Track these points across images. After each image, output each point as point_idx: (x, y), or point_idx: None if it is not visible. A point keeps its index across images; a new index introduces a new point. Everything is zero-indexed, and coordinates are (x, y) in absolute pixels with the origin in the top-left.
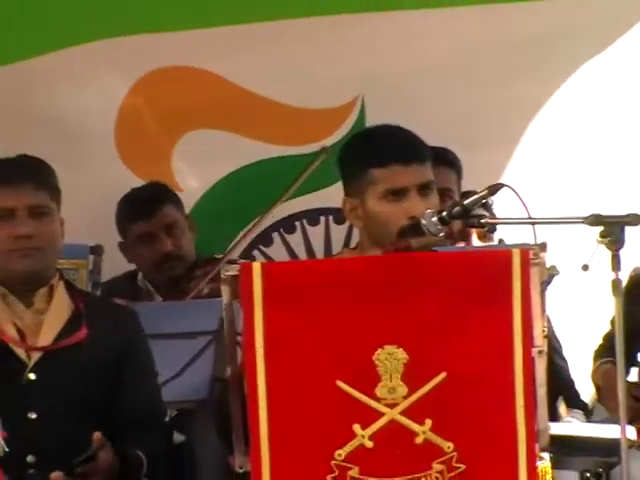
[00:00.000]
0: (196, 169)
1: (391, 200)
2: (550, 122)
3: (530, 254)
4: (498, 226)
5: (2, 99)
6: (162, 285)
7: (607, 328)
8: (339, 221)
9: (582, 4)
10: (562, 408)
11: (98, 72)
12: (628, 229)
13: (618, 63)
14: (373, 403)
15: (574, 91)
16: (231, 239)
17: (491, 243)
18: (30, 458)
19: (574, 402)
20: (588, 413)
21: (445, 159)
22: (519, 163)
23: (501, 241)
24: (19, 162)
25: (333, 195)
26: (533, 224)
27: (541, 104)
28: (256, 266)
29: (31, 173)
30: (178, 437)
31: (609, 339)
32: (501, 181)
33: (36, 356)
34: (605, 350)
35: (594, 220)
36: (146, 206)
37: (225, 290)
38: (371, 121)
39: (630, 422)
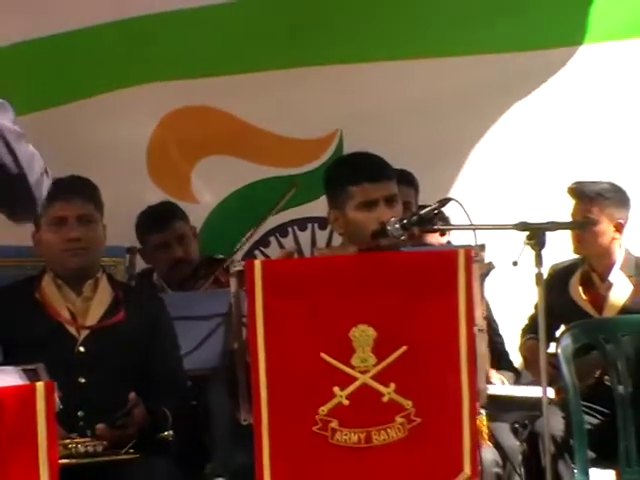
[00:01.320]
0: (210, 187)
1: (364, 210)
2: (487, 150)
3: (472, 253)
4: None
5: (60, 132)
6: (173, 283)
7: (531, 311)
8: (322, 227)
9: (508, 61)
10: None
11: (134, 110)
12: (548, 234)
13: (540, 106)
14: (349, 370)
15: (505, 126)
16: (237, 241)
17: (442, 244)
18: (80, 413)
19: (508, 368)
20: (518, 376)
21: (406, 179)
22: (463, 182)
23: (449, 242)
24: (70, 181)
25: (317, 207)
26: (474, 229)
27: (480, 136)
28: (257, 263)
29: (80, 189)
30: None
31: (533, 320)
32: (449, 196)
33: (84, 333)
34: (530, 328)
35: (521, 226)
36: (161, 220)
37: (233, 282)
38: (348, 149)
39: (549, 384)
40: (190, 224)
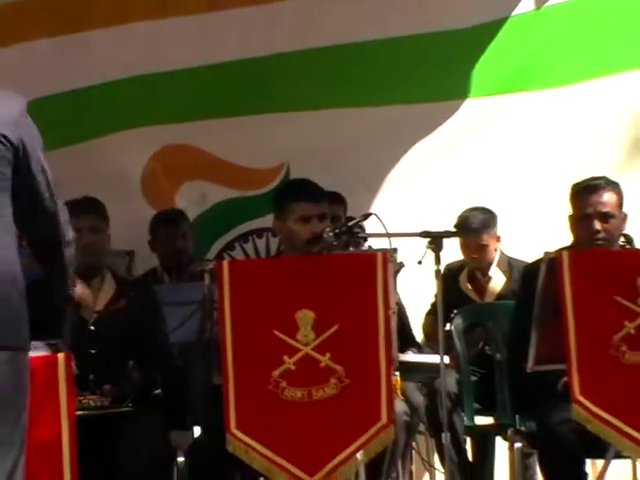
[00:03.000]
0: (189, 205)
1: (302, 224)
2: (397, 177)
3: (387, 255)
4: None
5: (77, 163)
6: (172, 270)
7: (432, 299)
8: (275, 235)
9: (408, 110)
10: None
11: (132, 147)
12: (445, 240)
13: (435, 146)
14: (295, 343)
15: (408, 162)
16: (211, 246)
17: (364, 248)
18: (91, 377)
19: (413, 344)
20: (420, 349)
21: (337, 198)
22: (380, 201)
23: (370, 247)
24: (83, 200)
25: (271, 220)
26: (389, 237)
27: (392, 166)
28: (225, 263)
29: (90, 207)
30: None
31: (433, 305)
32: (370, 212)
33: (94, 316)
34: (431, 311)
35: (424, 234)
36: (171, 221)
37: (207, 277)
38: (292, 176)
39: (445, 353)
40: (190, 225)
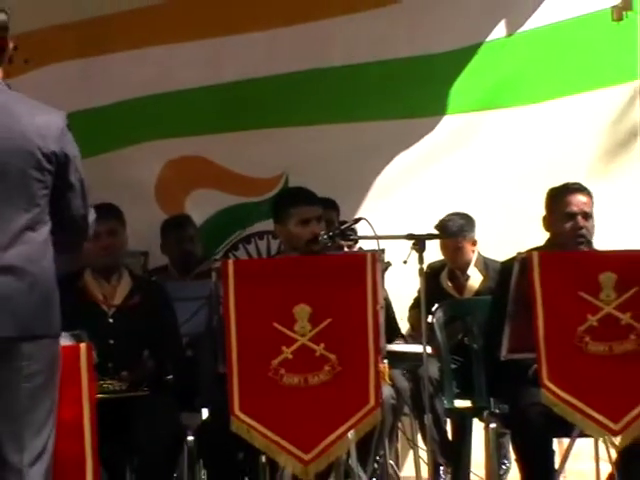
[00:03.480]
0: (198, 210)
1: (301, 226)
2: (381, 186)
3: (376, 256)
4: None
5: (99, 172)
6: (182, 269)
7: (416, 294)
8: (275, 237)
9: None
10: None
11: (146, 158)
12: (428, 242)
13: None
14: (292, 334)
15: (400, 166)
16: (217, 247)
17: (355, 250)
18: (109, 364)
19: (398, 335)
20: (405, 340)
21: (331, 204)
22: (368, 206)
23: (361, 249)
24: (102, 206)
25: (271, 224)
26: (377, 239)
27: (379, 175)
28: (230, 262)
29: (109, 212)
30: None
31: (417, 300)
32: (361, 216)
33: (112, 310)
34: (415, 306)
35: (409, 236)
36: (179, 225)
37: (214, 274)
38: (291, 184)
39: (428, 343)
40: (197, 229)
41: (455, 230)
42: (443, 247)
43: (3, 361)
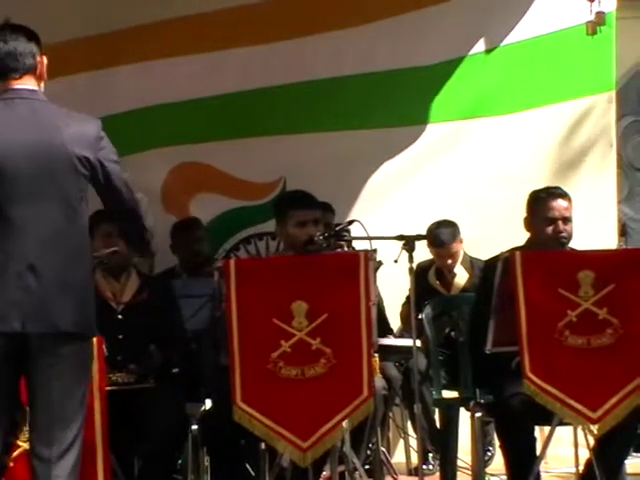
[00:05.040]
0: (201, 213)
1: (299, 227)
2: (373, 191)
3: (369, 255)
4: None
5: None
6: (190, 269)
7: (407, 292)
8: (273, 238)
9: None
10: None
11: (152, 164)
12: (417, 242)
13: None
14: (290, 329)
15: (391, 171)
16: (219, 247)
17: (346, 249)
18: (119, 357)
19: (388, 330)
20: (395, 335)
21: (328, 208)
22: (361, 209)
23: (354, 248)
24: None
25: (270, 225)
26: (370, 239)
27: (371, 179)
28: (231, 261)
29: None
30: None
31: (408, 297)
32: (354, 218)
33: (121, 306)
34: (406, 302)
35: (400, 237)
36: (188, 227)
37: (216, 273)
38: (289, 188)
39: (417, 337)
40: (204, 231)
41: (446, 239)
42: (438, 255)
43: (36, 358)
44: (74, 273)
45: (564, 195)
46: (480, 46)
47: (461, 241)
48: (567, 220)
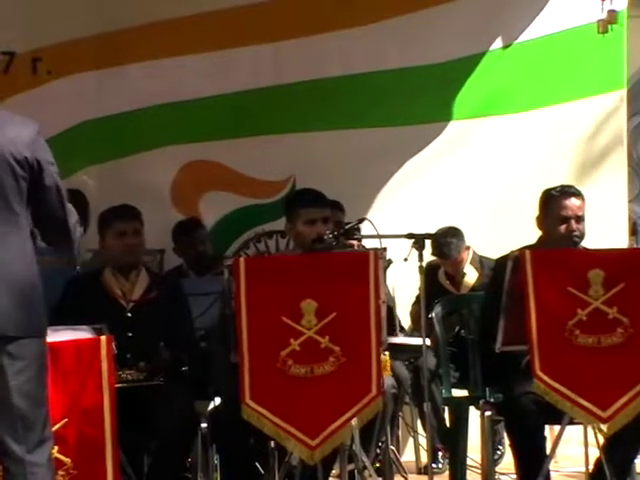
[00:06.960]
0: (211, 211)
1: (308, 226)
2: (387, 189)
3: (378, 254)
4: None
5: (115, 177)
6: (196, 270)
7: (417, 291)
8: (283, 237)
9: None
10: None
11: (162, 162)
12: (427, 241)
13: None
14: (300, 328)
15: (402, 169)
16: (229, 245)
17: (356, 248)
18: (128, 355)
19: (400, 329)
20: (406, 333)
21: (338, 206)
22: (373, 207)
23: (364, 247)
24: (124, 208)
25: (279, 224)
26: (380, 238)
27: (382, 178)
28: (241, 259)
29: (131, 213)
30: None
31: (418, 297)
32: (364, 217)
33: (130, 304)
34: (416, 301)
35: (410, 236)
36: (189, 229)
37: (226, 271)
38: (298, 187)
39: (427, 336)
40: (206, 231)
41: (452, 252)
42: (443, 263)
43: None
44: (11, 278)
45: (578, 194)
46: (491, 44)
47: (467, 248)
48: (580, 219)
